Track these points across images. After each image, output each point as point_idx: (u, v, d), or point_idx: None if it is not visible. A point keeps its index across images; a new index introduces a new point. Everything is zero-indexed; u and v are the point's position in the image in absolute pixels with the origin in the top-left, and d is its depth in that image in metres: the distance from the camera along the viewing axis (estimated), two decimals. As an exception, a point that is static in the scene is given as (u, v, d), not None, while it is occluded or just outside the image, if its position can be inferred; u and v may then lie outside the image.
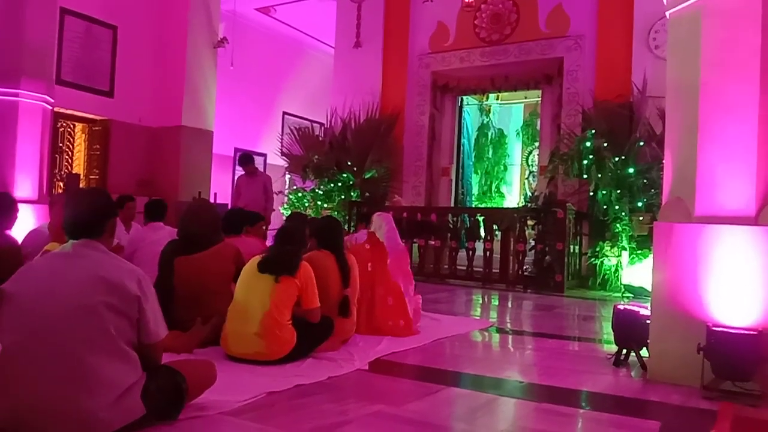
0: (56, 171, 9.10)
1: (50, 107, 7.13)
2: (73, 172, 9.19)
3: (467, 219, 9.01)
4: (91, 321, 2.01)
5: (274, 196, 8.57)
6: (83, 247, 2.16)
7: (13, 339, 1.97)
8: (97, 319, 2.01)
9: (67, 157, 9.42)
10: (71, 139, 9.45)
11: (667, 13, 3.53)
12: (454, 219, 8.98)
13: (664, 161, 3.59)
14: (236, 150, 12.43)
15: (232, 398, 2.56)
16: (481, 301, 7.03)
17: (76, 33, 8.74)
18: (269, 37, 13.04)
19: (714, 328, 2.98)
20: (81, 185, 9.02)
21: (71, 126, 9.36)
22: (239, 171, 8.94)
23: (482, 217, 8.76)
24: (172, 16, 9.57)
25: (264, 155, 12.50)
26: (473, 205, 12.26)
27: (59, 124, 8.97)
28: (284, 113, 13.56)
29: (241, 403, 2.54)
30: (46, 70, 6.99)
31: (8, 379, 1.95)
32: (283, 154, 10.70)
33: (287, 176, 11.31)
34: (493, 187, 13.76)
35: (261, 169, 11.30)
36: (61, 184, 9.00)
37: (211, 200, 9.77)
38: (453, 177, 10.57)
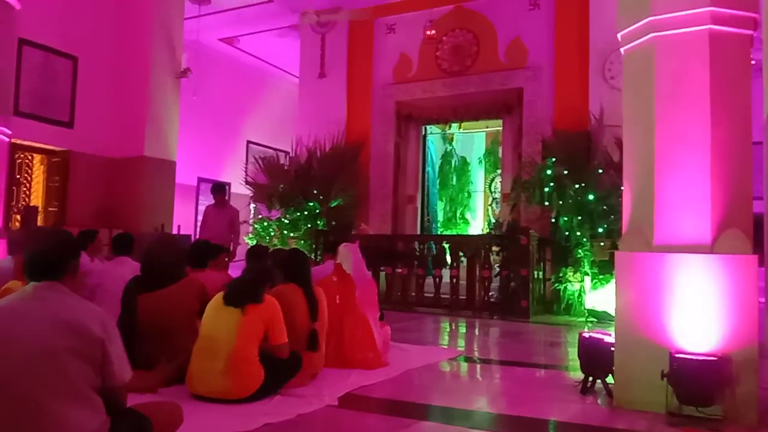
0: (13, 203, 8.84)
1: (7, 139, 6.95)
2: (31, 204, 8.94)
3: (433, 246, 9.07)
4: (52, 366, 1.94)
5: (241, 227, 8.49)
6: (44, 289, 2.09)
7: None
8: (58, 364, 1.95)
9: (24, 189, 9.17)
10: (29, 171, 9.21)
11: (622, 50, 3.67)
12: (421, 246, 9.03)
13: (622, 188, 3.69)
14: (200, 179, 12.30)
15: (199, 440, 2.50)
16: (448, 329, 7.05)
17: (35, 64, 8.59)
18: (233, 66, 13.04)
19: (676, 355, 3.05)
20: (39, 218, 8.77)
21: (29, 157, 9.13)
22: (204, 201, 8.84)
23: (448, 244, 8.82)
24: (135, 46, 9.49)
25: (228, 184, 12.36)
26: (439, 232, 12.36)
27: (17, 155, 8.74)
28: (248, 142, 13.50)
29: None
30: (4, 102, 6.83)
31: None
32: (247, 183, 10.62)
33: (252, 205, 11.22)
34: (458, 214, 13.90)
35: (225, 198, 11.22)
36: (19, 216, 8.74)
37: (175, 232, 9.61)
38: (418, 204, 10.66)
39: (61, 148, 8.96)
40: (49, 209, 9.07)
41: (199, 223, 8.78)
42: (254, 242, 9.51)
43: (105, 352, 2.05)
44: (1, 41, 6.69)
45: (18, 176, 9.02)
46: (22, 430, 1.88)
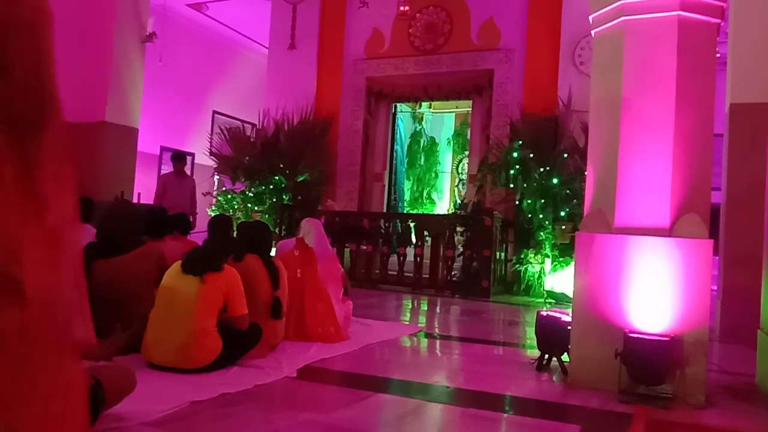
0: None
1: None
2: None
3: (399, 225, 9.08)
4: None
5: (200, 197, 8.35)
6: None
7: None
8: None
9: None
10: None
11: (593, 32, 3.69)
12: (386, 224, 9.03)
13: (586, 173, 3.74)
14: (162, 148, 12.02)
15: (152, 408, 2.46)
16: (410, 306, 7.10)
17: (-9, 19, 8.22)
18: (201, 34, 12.71)
19: (630, 335, 3.13)
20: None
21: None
22: (167, 170, 8.64)
23: (413, 223, 8.85)
24: (98, 8, 9.15)
25: (192, 154, 12.15)
26: (405, 211, 12.37)
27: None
28: (214, 112, 13.23)
29: (162, 413, 2.44)
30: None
31: None
32: (212, 153, 10.43)
33: (216, 177, 11.04)
34: (425, 194, 13.94)
35: (189, 168, 11.01)
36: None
37: (135, 200, 9.40)
38: (386, 183, 10.63)
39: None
40: (4, 173, 8.75)
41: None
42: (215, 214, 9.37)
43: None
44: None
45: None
46: None
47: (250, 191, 9.76)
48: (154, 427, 2.32)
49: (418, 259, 8.33)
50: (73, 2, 9.09)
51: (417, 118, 13.76)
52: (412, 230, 8.74)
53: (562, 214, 7.80)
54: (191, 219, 7.30)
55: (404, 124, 12.90)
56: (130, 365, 2.77)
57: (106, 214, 3.71)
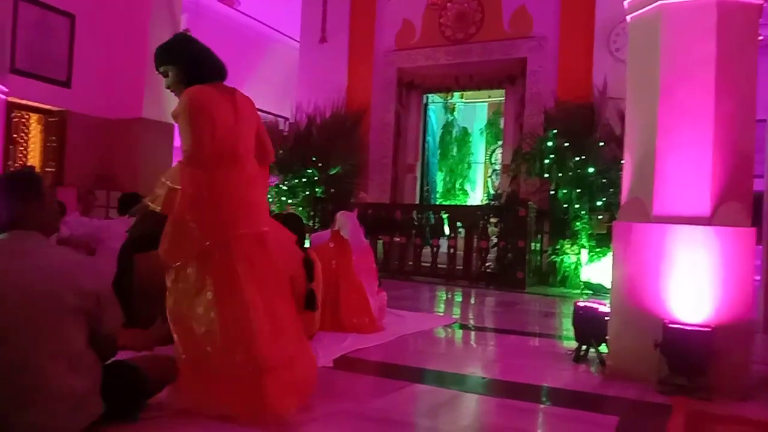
0: (10, 163, 8.79)
1: (4, 96, 6.88)
2: (28, 164, 8.89)
3: (432, 216, 9.07)
4: (48, 325, 1.91)
5: None
6: (19, 240, 1.97)
7: None
8: (54, 322, 1.91)
9: (21, 148, 9.10)
10: (26, 131, 9.13)
11: (628, 17, 3.61)
12: (419, 216, 9.03)
13: (623, 161, 3.67)
14: (198, 144, 12.21)
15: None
16: (444, 298, 7.09)
17: (32, 21, 8.45)
18: (233, 29, 12.83)
19: (670, 325, 3.07)
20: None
21: (26, 116, 9.05)
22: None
23: (446, 215, 8.83)
24: (134, 6, 9.33)
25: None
26: (438, 203, 12.35)
27: (13, 114, 8.66)
28: (248, 107, 13.36)
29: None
30: (1, 59, 6.74)
31: None
32: (246, 148, 10.55)
33: (250, 171, 11.17)
34: (457, 185, 13.89)
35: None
36: (15, 176, 8.69)
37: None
38: (418, 174, 10.62)
39: (58, 107, 8.88)
40: (46, 169, 9.02)
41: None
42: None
43: (100, 303, 2.04)
44: (-4, -4, 6.58)
45: (15, 135, 8.95)
46: (11, 390, 1.86)
47: (283, 184, 9.86)
48: (194, 415, 2.37)
49: (452, 250, 8.31)
50: (108, 3, 9.29)
51: (449, 109, 13.69)
52: (445, 221, 8.72)
53: (599, 203, 7.67)
54: None
55: (436, 115, 12.86)
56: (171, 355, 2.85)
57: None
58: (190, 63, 2.65)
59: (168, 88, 2.69)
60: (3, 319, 1.88)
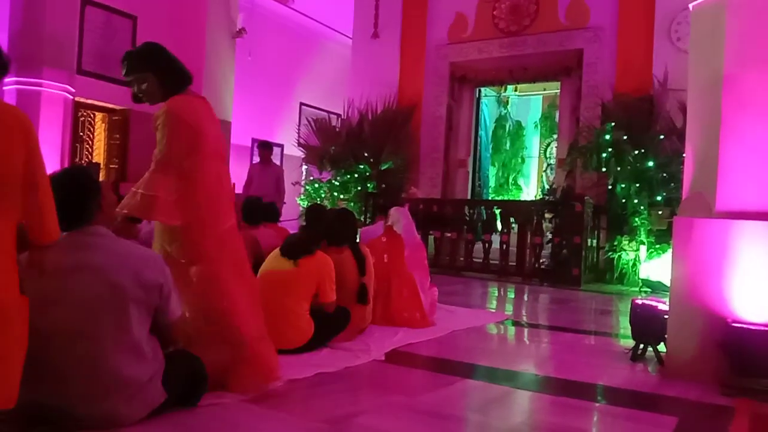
0: (77, 160, 9.21)
1: (71, 97, 7.21)
2: (93, 161, 9.29)
3: (484, 211, 8.98)
4: (113, 317, 1.99)
5: (289, 187, 8.57)
6: (86, 236, 2.05)
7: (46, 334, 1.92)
8: (119, 314, 2.00)
9: (87, 146, 9.53)
10: (91, 129, 9.55)
11: (690, 5, 3.48)
12: (471, 211, 8.95)
13: (684, 155, 3.54)
14: (254, 140, 12.46)
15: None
16: (496, 294, 7.02)
17: (97, 23, 8.81)
18: (287, 27, 13.05)
19: (733, 324, 2.96)
20: (101, 174, 9.12)
21: (91, 115, 9.46)
22: (257, 160, 8.97)
23: (499, 210, 8.72)
24: (191, 6, 9.61)
25: (281, 146, 12.54)
26: (490, 198, 12.22)
27: (79, 113, 9.07)
28: (301, 104, 13.58)
29: (259, 391, 2.56)
30: (67, 60, 7.07)
31: (37, 372, 1.88)
32: (300, 144, 10.73)
33: (304, 167, 11.34)
34: (510, 180, 13.70)
35: (278, 159, 11.38)
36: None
37: (229, 191, 9.81)
38: (470, 169, 10.53)
39: (121, 106, 9.23)
40: (110, 166, 9.41)
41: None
42: (305, 204, 9.64)
43: (162, 294, 2.12)
44: (63, 1, 6.88)
45: (81, 133, 9.37)
46: (78, 380, 1.94)
47: (336, 180, 9.97)
48: (251, 403, 2.44)
49: (505, 246, 8.21)
50: (167, 4, 9.58)
51: (502, 102, 13.50)
52: (498, 217, 8.63)
53: (659, 198, 7.43)
54: (278, 206, 7.49)
55: (489, 109, 12.69)
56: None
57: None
58: (168, 70, 2.65)
59: (139, 95, 2.65)
60: (80, 313, 1.97)
